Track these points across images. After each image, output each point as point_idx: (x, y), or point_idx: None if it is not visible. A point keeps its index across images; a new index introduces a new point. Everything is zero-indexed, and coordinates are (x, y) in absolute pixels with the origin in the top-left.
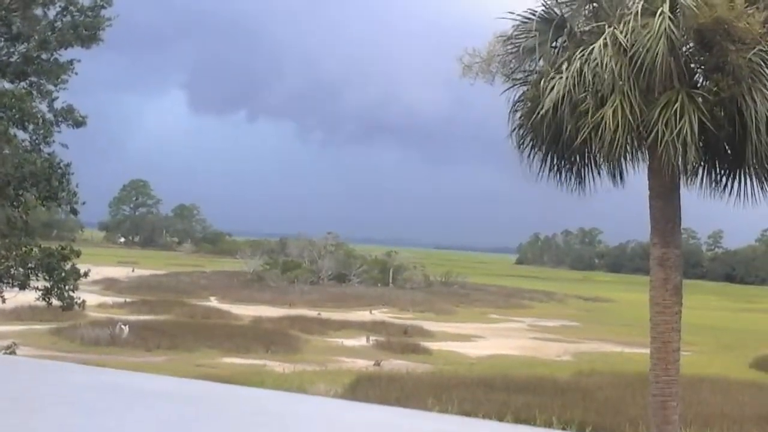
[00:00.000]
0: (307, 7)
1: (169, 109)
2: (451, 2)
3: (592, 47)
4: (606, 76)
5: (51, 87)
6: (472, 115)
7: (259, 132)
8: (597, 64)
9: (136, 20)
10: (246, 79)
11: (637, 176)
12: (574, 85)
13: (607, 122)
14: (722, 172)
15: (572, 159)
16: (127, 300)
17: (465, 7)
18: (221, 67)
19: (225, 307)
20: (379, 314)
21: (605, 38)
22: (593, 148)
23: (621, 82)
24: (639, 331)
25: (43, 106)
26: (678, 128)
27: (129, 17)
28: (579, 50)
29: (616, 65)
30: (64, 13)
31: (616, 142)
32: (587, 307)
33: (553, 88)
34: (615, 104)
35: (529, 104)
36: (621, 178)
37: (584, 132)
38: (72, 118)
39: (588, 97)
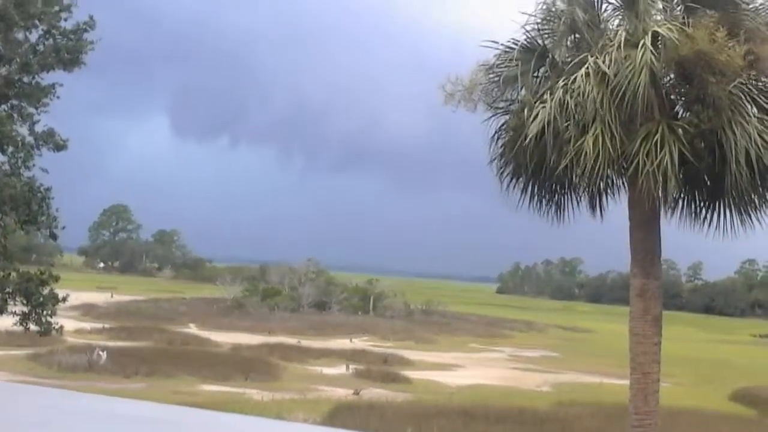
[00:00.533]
0: (291, 34)
1: (152, 133)
2: (435, 31)
3: (574, 76)
4: (588, 106)
5: (32, 110)
6: (455, 144)
7: (240, 158)
8: (579, 93)
9: (120, 44)
10: (228, 105)
11: (618, 207)
12: (556, 115)
13: (588, 151)
14: (702, 203)
15: (553, 188)
16: (106, 326)
17: (449, 35)
18: (204, 93)
19: (204, 334)
20: (359, 342)
21: (587, 68)
22: (574, 177)
23: (602, 112)
24: (619, 361)
25: (24, 130)
26: (658, 159)
27: (112, 41)
28: (561, 79)
29: (597, 95)
30: (47, 36)
31: (596, 171)
32: (567, 337)
33: (536, 117)
34: (596, 132)
35: (511, 133)
36: (601, 208)
37: (566, 160)
38: (53, 141)
39: (570, 126)
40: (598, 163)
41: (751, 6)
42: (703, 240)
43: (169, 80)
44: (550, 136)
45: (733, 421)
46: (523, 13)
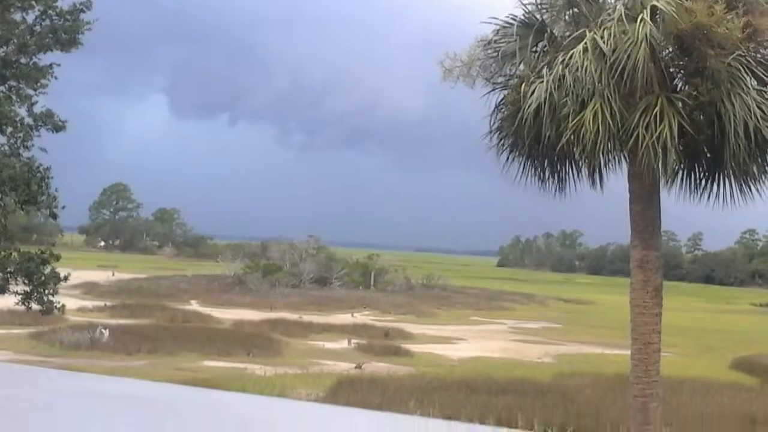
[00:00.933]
0: (291, 13)
1: (151, 112)
2: (436, 7)
3: (572, 52)
4: (586, 81)
5: (30, 91)
6: (454, 119)
7: (240, 136)
8: (577, 68)
9: (117, 23)
10: (227, 84)
11: (618, 179)
12: (555, 89)
13: (588, 126)
14: (701, 175)
15: (553, 162)
16: (108, 304)
17: (449, 12)
18: (203, 71)
19: (206, 310)
20: (360, 317)
21: (585, 43)
22: (574, 151)
23: (601, 87)
24: (620, 332)
25: (23, 110)
26: (658, 132)
27: (110, 21)
28: (560, 54)
29: (596, 70)
30: (43, 17)
31: (596, 146)
32: (568, 309)
33: (533, 92)
34: (595, 108)
35: (510, 108)
36: (601, 182)
37: (565, 136)
38: (51, 122)
39: (568, 101)
40: (599, 138)
41: None
42: (702, 211)
43: (168, 59)
44: (548, 111)
45: (734, 390)
46: None
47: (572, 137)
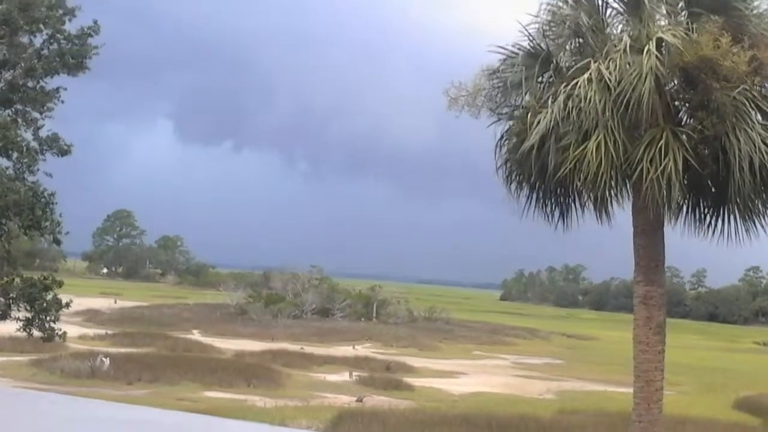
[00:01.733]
0: (297, 40)
1: (156, 138)
2: (442, 36)
3: (576, 82)
4: (590, 112)
5: (36, 115)
6: (459, 150)
7: (244, 163)
8: (581, 99)
9: (124, 48)
10: (233, 110)
11: (622, 214)
12: (559, 120)
13: (590, 157)
14: (706, 210)
15: (557, 195)
16: (109, 332)
17: (455, 40)
18: (208, 97)
19: (207, 340)
20: (362, 349)
21: (590, 73)
22: (577, 183)
23: (605, 118)
24: (623, 369)
25: (28, 135)
26: (662, 166)
27: (116, 45)
28: (563, 85)
29: (600, 101)
30: (51, 40)
31: (599, 177)
32: (571, 345)
33: (539, 122)
34: (598, 139)
35: (515, 139)
36: (607, 215)
37: (567, 166)
38: (57, 146)
39: (571, 132)
40: (601, 170)
41: (755, 11)
42: (707, 247)
43: (174, 85)
44: (552, 142)
45: (737, 430)
46: (528, 15)
47: (575, 168)
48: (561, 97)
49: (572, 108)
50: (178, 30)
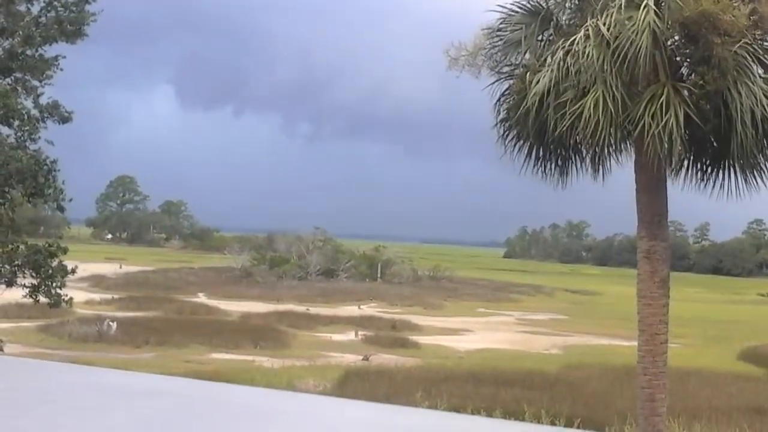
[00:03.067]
0: (300, 2)
1: (157, 104)
2: None
3: (573, 38)
4: (587, 68)
5: (36, 83)
6: (462, 109)
7: (246, 127)
8: (579, 55)
9: (124, 14)
10: (234, 73)
11: (624, 169)
12: (560, 78)
13: (588, 113)
14: (708, 165)
15: (557, 152)
16: (115, 296)
17: (459, 1)
18: (209, 61)
19: (213, 303)
20: (367, 309)
21: (586, 29)
22: (576, 139)
23: (603, 74)
24: (627, 323)
25: (29, 103)
26: (664, 121)
27: (115, 11)
28: (560, 41)
29: (597, 57)
30: (48, 8)
31: (598, 134)
32: (575, 300)
33: (538, 81)
34: (596, 95)
35: (515, 97)
36: (603, 172)
37: (565, 123)
38: (58, 114)
39: (570, 88)
40: (600, 126)
41: None
42: (710, 201)
43: (174, 50)
44: (551, 100)
45: (742, 381)
46: None
47: (573, 125)
48: (559, 54)
49: (570, 65)
50: None
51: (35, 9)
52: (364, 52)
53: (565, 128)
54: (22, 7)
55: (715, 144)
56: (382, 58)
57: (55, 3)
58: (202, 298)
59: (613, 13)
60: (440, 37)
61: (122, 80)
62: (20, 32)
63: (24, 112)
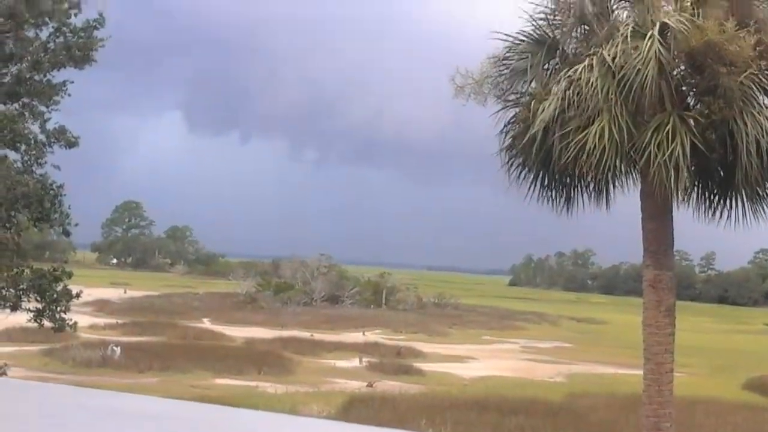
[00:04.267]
0: (303, 26)
1: (164, 129)
2: (449, 21)
3: (577, 68)
4: (592, 97)
5: (43, 108)
6: (467, 136)
7: (252, 152)
8: (584, 84)
9: (132, 39)
10: (241, 98)
11: (630, 198)
12: (565, 107)
13: (593, 142)
14: (714, 194)
15: (562, 180)
16: (119, 321)
17: (463, 27)
18: (216, 86)
19: (218, 328)
20: (372, 335)
21: (592, 59)
22: (582, 168)
23: (609, 103)
24: (632, 352)
25: (35, 127)
26: (670, 150)
27: (124, 36)
28: (565, 70)
29: (602, 86)
30: (57, 34)
31: (603, 162)
32: (580, 329)
33: (543, 109)
34: (602, 124)
35: (521, 125)
36: (607, 200)
37: (570, 152)
38: (64, 138)
39: (574, 118)
40: (605, 155)
41: None
42: (716, 231)
43: (182, 75)
44: (557, 128)
45: (747, 411)
46: (531, 3)
47: (579, 154)
48: (563, 83)
49: (575, 94)
50: (185, 19)
51: (44, 34)
52: (369, 77)
53: (570, 157)
54: (31, 33)
55: (721, 173)
56: (388, 84)
57: (64, 29)
58: (206, 324)
59: (618, 43)
60: (447, 63)
61: (130, 105)
62: (28, 57)
63: (31, 137)
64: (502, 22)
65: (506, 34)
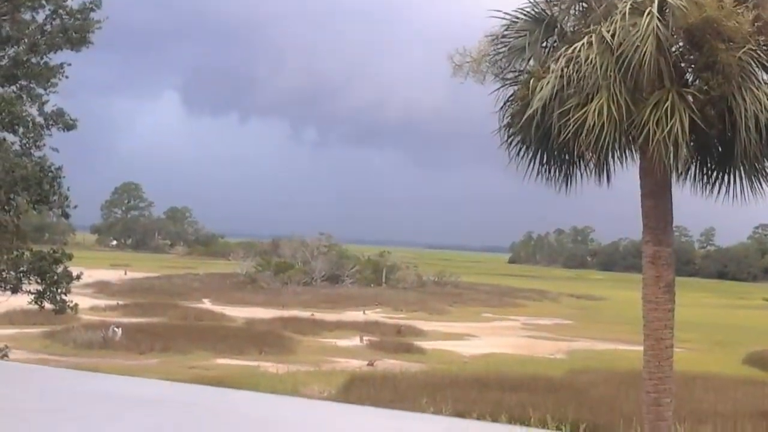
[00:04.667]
0: (304, 7)
1: (163, 111)
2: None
3: (575, 45)
4: (591, 74)
5: (41, 90)
6: (466, 116)
7: (252, 133)
8: (582, 62)
9: (131, 21)
10: (240, 80)
11: (629, 174)
12: (563, 85)
13: (593, 120)
14: (713, 170)
15: (561, 158)
16: (120, 303)
17: (464, 4)
18: (216, 68)
19: (218, 308)
20: (372, 314)
21: (590, 37)
22: (579, 146)
23: (607, 81)
24: (632, 328)
25: (34, 110)
26: (669, 127)
27: (123, 18)
28: (563, 48)
29: (601, 63)
30: (54, 16)
31: (602, 140)
32: (580, 306)
33: (542, 87)
34: (600, 102)
35: (519, 104)
36: (608, 177)
37: (569, 130)
38: (62, 121)
39: (574, 95)
40: (604, 132)
41: None
42: (714, 206)
43: (181, 57)
44: (555, 106)
45: (747, 385)
46: None
47: (578, 131)
48: (562, 61)
49: (573, 71)
50: (183, 2)
51: (40, 17)
52: (369, 59)
53: (569, 134)
54: (27, 15)
55: (719, 149)
56: (388, 65)
57: (60, 11)
58: (206, 304)
59: (617, 19)
60: (447, 44)
61: (128, 87)
62: (25, 40)
63: (29, 120)
64: (506, 2)
65: (505, 13)
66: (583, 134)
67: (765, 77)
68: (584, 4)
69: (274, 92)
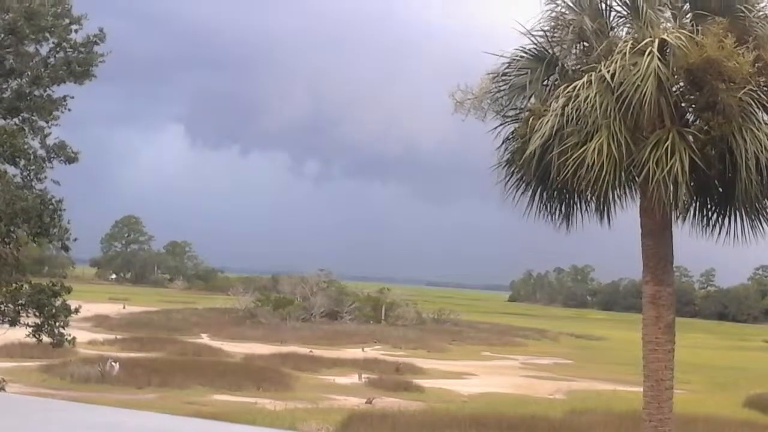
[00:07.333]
0: (308, 40)
1: (166, 143)
2: (452, 36)
3: (575, 84)
4: (591, 113)
5: (43, 123)
6: (468, 152)
7: (253, 166)
8: (582, 101)
9: (134, 52)
10: (242, 113)
11: (629, 213)
12: (564, 123)
13: (592, 158)
14: (713, 210)
15: (561, 196)
16: (118, 337)
17: (467, 41)
18: (219, 100)
19: (216, 344)
20: (371, 351)
21: (590, 75)
22: (581, 184)
23: (607, 120)
24: (632, 369)
25: (35, 143)
26: (669, 166)
27: (126, 49)
28: (563, 87)
29: (601, 102)
30: (57, 49)
31: (602, 178)
32: (580, 345)
33: (542, 125)
34: (600, 141)
35: (520, 141)
36: (608, 216)
37: (568, 168)
38: (64, 154)
39: (574, 133)
40: (603, 171)
41: (760, 13)
42: (715, 246)
43: (185, 88)
44: (555, 144)
45: (747, 428)
46: (530, 19)
47: (577, 170)
48: (562, 99)
49: (573, 110)
50: (188, 32)
51: (44, 50)
52: (372, 92)
53: (569, 173)
54: (31, 48)
55: (720, 189)
56: (390, 100)
57: (64, 44)
58: (205, 339)
59: (617, 59)
60: (452, 79)
61: (131, 119)
62: (29, 73)
63: (30, 152)
64: (498, 39)
65: (505, 51)
66: (583, 172)
67: (765, 118)
68: (585, 44)
69: (276, 125)
